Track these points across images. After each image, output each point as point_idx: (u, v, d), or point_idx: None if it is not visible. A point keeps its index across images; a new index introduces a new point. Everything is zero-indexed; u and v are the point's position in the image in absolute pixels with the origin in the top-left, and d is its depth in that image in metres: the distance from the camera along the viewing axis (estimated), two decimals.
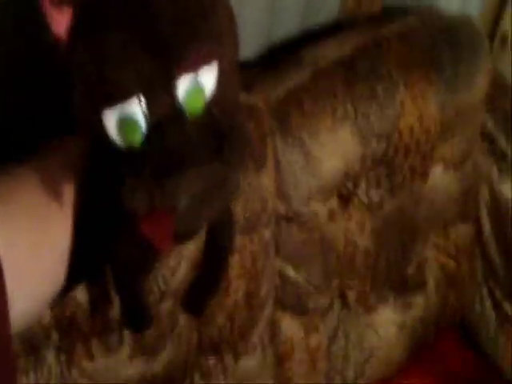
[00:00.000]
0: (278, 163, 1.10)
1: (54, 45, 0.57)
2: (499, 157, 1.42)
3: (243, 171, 0.61)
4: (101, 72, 0.54)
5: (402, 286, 1.37)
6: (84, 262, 0.65)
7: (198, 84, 0.55)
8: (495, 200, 1.43)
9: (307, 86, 1.13)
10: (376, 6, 1.33)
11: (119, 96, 0.54)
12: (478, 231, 1.46)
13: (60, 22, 0.56)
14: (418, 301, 1.40)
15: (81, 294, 0.94)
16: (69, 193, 0.62)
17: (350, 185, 1.21)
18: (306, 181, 1.13)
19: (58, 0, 0.55)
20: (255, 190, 1.07)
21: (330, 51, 1.17)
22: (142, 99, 0.54)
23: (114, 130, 0.55)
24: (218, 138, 0.56)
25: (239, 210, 1.05)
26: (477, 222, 1.45)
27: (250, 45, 1.22)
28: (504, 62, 1.63)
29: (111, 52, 0.54)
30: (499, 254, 1.45)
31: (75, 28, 0.56)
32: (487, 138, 1.41)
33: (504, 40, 1.62)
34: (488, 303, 1.49)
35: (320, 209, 1.17)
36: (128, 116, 0.54)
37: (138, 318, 0.82)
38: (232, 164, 0.57)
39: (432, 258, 1.41)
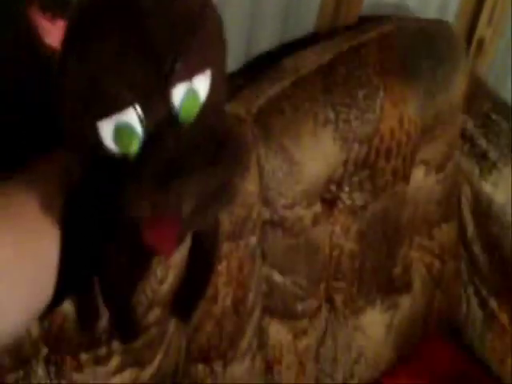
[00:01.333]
0: (261, 169, 1.12)
1: (46, 57, 0.57)
2: (480, 157, 1.44)
3: (242, 175, 0.62)
4: (96, 83, 0.55)
5: (389, 287, 1.38)
6: (72, 275, 0.66)
7: (193, 91, 0.56)
8: (477, 199, 1.45)
9: (288, 94, 1.15)
10: (352, 16, 1.35)
11: (116, 106, 0.54)
12: (462, 230, 1.48)
13: (53, 33, 0.56)
14: (405, 301, 1.42)
15: (69, 307, 0.95)
16: (56, 206, 0.63)
17: (333, 188, 1.22)
18: (290, 186, 1.15)
19: (51, 12, 0.56)
20: (240, 196, 1.08)
21: (310, 60, 1.19)
22: (138, 107, 0.54)
23: (111, 140, 0.55)
24: (214, 143, 0.57)
25: (224, 217, 1.06)
26: (460, 221, 1.47)
27: (230, 58, 1.23)
28: (481, 65, 1.66)
29: (106, 63, 0.55)
30: (483, 251, 1.47)
31: (68, 39, 0.57)
32: (467, 139, 1.43)
33: (480, 44, 1.65)
34: (474, 301, 1.50)
35: (305, 213, 1.19)
36: (124, 124, 0.55)
37: (126, 328, 0.83)
38: (231, 168, 0.57)
39: (417, 258, 1.43)
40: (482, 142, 1.44)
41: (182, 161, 0.55)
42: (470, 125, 1.44)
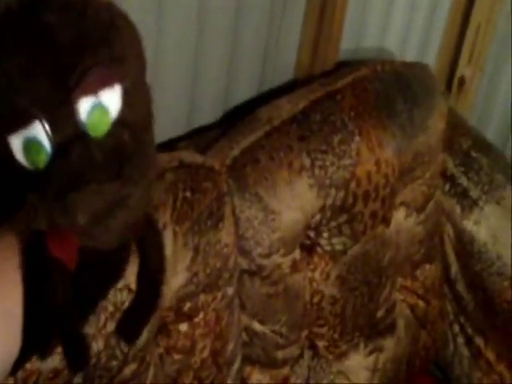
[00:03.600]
0: (236, 220, 1.12)
1: None
2: (461, 195, 1.44)
3: (145, 188, 0.63)
4: (4, 98, 0.56)
5: (372, 330, 1.38)
6: (37, 329, 0.66)
7: (101, 106, 0.57)
8: (460, 238, 1.45)
9: (262, 144, 1.16)
10: (330, 61, 1.36)
11: (21, 121, 0.56)
12: (446, 269, 1.48)
13: None
14: (389, 343, 1.41)
15: (44, 363, 0.95)
16: (15, 260, 0.63)
17: (311, 235, 1.23)
18: (267, 235, 1.15)
19: None
20: (214, 247, 1.08)
21: (284, 109, 1.20)
22: (45, 122, 0.55)
23: (20, 153, 0.56)
24: (120, 156, 0.58)
25: (200, 269, 1.07)
26: (443, 260, 1.47)
27: (207, 110, 1.25)
28: (463, 103, 1.67)
29: (12, 78, 0.56)
30: (467, 289, 1.47)
31: None
32: (448, 178, 1.44)
33: (461, 82, 1.67)
34: (460, 340, 1.50)
35: (283, 261, 1.19)
36: (32, 139, 0.56)
37: (76, 356, 0.81)
38: (132, 181, 0.59)
39: (401, 299, 1.43)
40: (463, 181, 1.44)
41: (82, 175, 0.56)
42: (450, 164, 1.44)
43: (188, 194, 1.05)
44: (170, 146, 1.17)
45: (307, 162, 1.18)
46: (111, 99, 0.58)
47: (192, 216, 1.05)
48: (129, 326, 0.84)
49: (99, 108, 0.57)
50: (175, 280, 1.03)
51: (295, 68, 1.37)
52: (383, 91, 1.29)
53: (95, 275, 0.70)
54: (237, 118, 1.25)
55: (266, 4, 1.25)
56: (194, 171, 1.08)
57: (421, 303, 1.45)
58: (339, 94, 1.25)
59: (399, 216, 1.36)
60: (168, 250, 1.00)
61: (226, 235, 1.10)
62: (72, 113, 0.56)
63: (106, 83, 0.57)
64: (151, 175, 0.63)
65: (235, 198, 1.12)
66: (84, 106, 0.56)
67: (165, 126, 1.17)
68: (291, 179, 1.16)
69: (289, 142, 1.17)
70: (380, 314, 1.38)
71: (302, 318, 1.24)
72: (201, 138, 1.20)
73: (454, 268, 1.47)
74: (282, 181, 1.16)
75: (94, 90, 0.56)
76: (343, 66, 1.36)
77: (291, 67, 1.37)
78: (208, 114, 1.27)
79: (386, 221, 1.32)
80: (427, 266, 1.44)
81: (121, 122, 0.59)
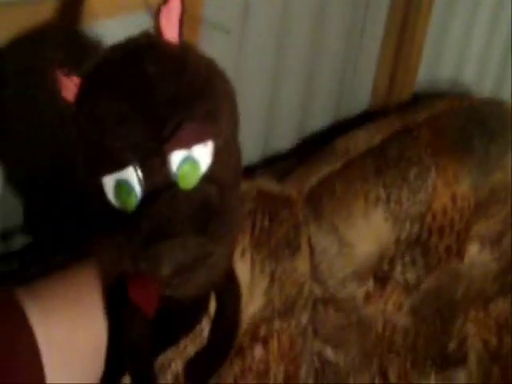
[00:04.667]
0: (312, 249, 1.15)
1: (63, 111, 0.62)
2: None
3: (229, 245, 0.65)
4: (100, 140, 0.59)
5: (443, 361, 1.38)
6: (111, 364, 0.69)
7: (192, 160, 0.59)
8: None
9: (339, 174, 1.19)
10: (407, 93, 1.38)
11: (116, 164, 0.58)
12: None
13: (69, 88, 0.62)
14: (460, 376, 1.41)
15: None
16: (97, 296, 0.67)
17: (385, 266, 1.24)
18: (341, 265, 1.17)
19: (68, 68, 0.61)
20: (291, 275, 1.12)
21: (361, 140, 1.23)
22: (138, 168, 0.58)
23: (112, 193, 0.59)
24: (207, 212, 0.59)
25: (276, 295, 1.10)
26: None
27: (283, 137, 1.29)
28: None
29: (110, 122, 0.59)
30: None
31: (81, 95, 0.61)
32: None
33: None
34: None
35: (356, 291, 1.21)
36: (124, 182, 0.58)
37: None
38: (217, 238, 0.60)
39: (473, 333, 1.42)
40: None
41: (169, 225, 0.58)
42: None
43: (266, 222, 1.09)
44: (245, 171, 1.21)
45: (383, 194, 1.20)
46: (203, 154, 0.59)
47: (269, 243, 1.08)
48: (197, 371, 0.82)
49: (190, 161, 0.58)
50: (252, 305, 1.06)
51: (371, 98, 1.40)
52: (460, 127, 1.31)
53: (171, 320, 0.70)
54: (312, 145, 1.28)
55: (344, 33, 1.29)
56: (272, 200, 1.11)
57: (493, 338, 1.44)
58: (416, 128, 1.27)
59: (473, 250, 1.36)
60: (246, 275, 1.04)
61: (301, 264, 1.13)
62: (164, 163, 0.58)
63: (199, 138, 0.59)
64: (236, 232, 0.64)
65: (311, 228, 1.15)
66: (176, 158, 0.58)
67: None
68: (367, 211, 1.19)
69: (365, 174, 1.20)
70: (452, 346, 1.38)
71: (374, 347, 1.26)
72: (277, 165, 1.24)
73: None
74: (357, 212, 1.18)
75: (186, 143, 0.58)
76: (419, 97, 1.38)
77: (367, 97, 1.40)
78: (284, 141, 1.31)
79: (460, 255, 1.33)
80: (501, 302, 1.44)
81: (209, 177, 0.60)
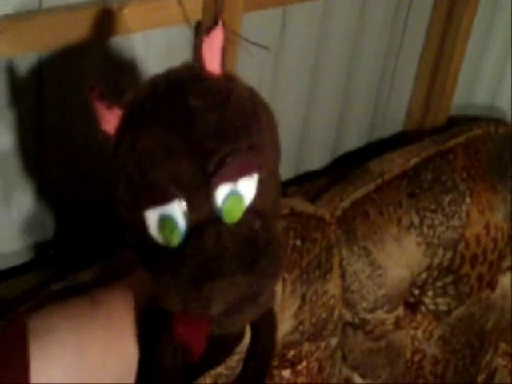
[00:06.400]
0: (343, 272, 1.13)
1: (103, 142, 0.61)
2: None
3: (275, 284, 0.63)
4: (143, 173, 0.58)
5: None
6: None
7: (237, 193, 0.58)
8: None
9: (373, 197, 1.17)
10: (442, 116, 1.37)
11: (160, 198, 0.57)
12: None
13: (109, 120, 0.61)
14: None
15: None
16: (130, 320, 0.66)
17: (416, 293, 1.22)
18: (372, 289, 1.15)
19: (109, 101, 0.61)
20: (321, 297, 1.10)
21: (396, 164, 1.21)
22: (183, 202, 0.57)
23: (155, 229, 0.58)
24: (254, 249, 0.58)
25: (306, 318, 1.08)
26: None
27: (316, 156, 1.28)
28: None
29: (154, 155, 0.58)
30: None
31: (122, 127, 0.61)
32: None
33: None
34: None
35: (386, 317, 1.19)
36: (168, 216, 0.57)
37: None
38: (266, 277, 0.58)
39: (502, 365, 1.39)
40: None
41: (217, 263, 0.56)
42: None
43: (298, 242, 1.07)
44: None
45: (416, 219, 1.18)
46: (247, 187, 0.58)
47: (301, 264, 1.07)
48: None
49: (235, 195, 0.57)
50: (281, 326, 1.04)
51: (406, 120, 1.39)
52: (496, 154, 1.29)
53: (206, 350, 0.67)
54: (345, 165, 1.27)
55: (380, 55, 1.28)
56: (305, 220, 1.10)
57: None
58: (451, 153, 1.25)
59: (505, 281, 1.34)
60: (277, 295, 1.02)
61: (332, 286, 1.11)
62: (209, 197, 0.57)
63: (244, 172, 0.58)
64: (281, 269, 0.61)
65: (343, 250, 1.13)
66: (221, 192, 0.57)
67: None
68: (400, 235, 1.17)
69: (399, 197, 1.18)
70: (481, 378, 1.35)
71: (403, 375, 1.23)
72: (310, 184, 1.22)
73: None
74: (390, 236, 1.16)
75: (232, 177, 0.57)
76: (454, 121, 1.37)
77: (402, 119, 1.39)
78: (316, 161, 1.30)
79: (492, 285, 1.31)
80: None
81: (253, 209, 0.59)
